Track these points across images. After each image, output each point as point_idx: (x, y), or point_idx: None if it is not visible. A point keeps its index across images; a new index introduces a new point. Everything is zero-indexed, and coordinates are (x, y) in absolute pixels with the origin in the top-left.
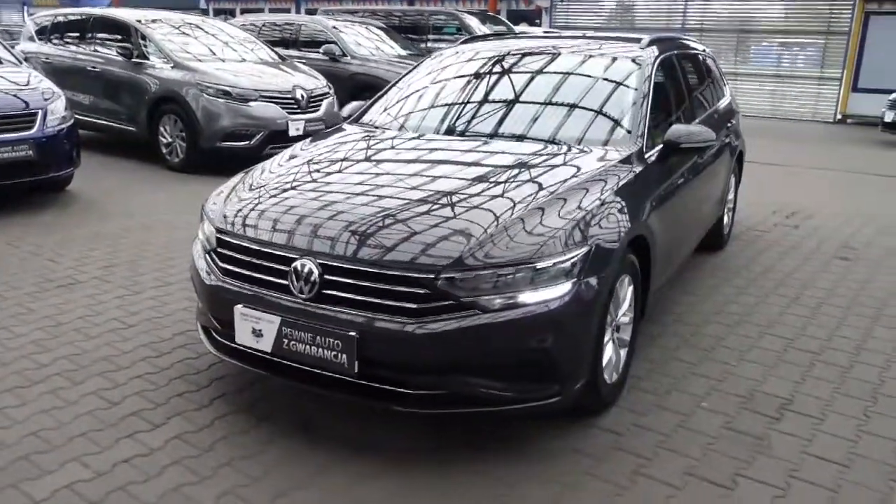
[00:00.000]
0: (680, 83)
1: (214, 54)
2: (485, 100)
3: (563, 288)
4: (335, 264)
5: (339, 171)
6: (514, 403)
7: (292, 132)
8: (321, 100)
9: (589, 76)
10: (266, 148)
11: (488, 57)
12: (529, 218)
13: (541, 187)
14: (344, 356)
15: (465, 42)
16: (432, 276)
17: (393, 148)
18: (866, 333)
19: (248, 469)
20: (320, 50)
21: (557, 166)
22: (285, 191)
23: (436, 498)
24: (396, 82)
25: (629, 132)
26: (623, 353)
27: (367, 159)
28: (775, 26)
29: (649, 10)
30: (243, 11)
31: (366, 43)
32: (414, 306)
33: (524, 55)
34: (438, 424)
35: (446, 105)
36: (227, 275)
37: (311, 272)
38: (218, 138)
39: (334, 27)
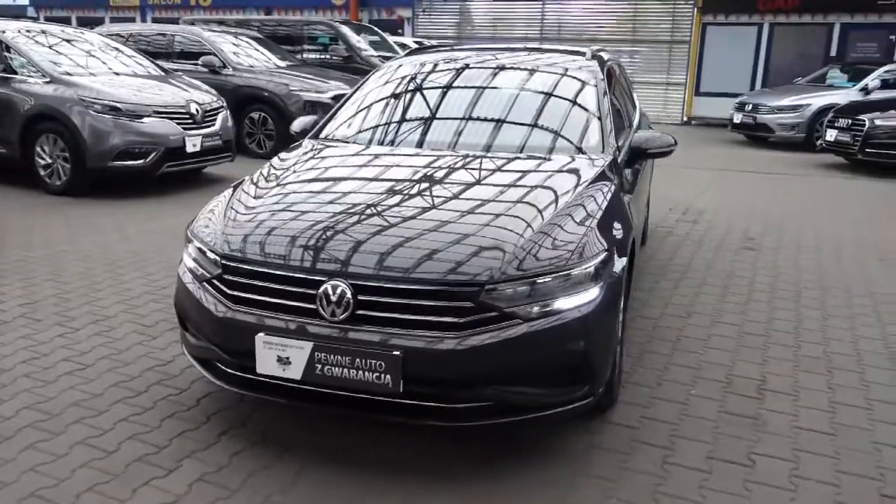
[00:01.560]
0: (615, 92)
1: (93, 67)
2: (459, 112)
3: (593, 292)
4: (369, 284)
5: (339, 189)
6: (551, 408)
7: (189, 149)
8: (216, 114)
9: (553, 87)
10: (162, 166)
11: (448, 69)
12: (554, 227)
13: (553, 196)
14: (388, 377)
15: (410, 54)
16: (476, 288)
17: (380, 163)
18: (797, 315)
19: None
20: (199, 62)
21: (556, 175)
22: (291, 212)
23: None
24: (350, 96)
25: (603, 140)
26: (619, 350)
27: (361, 175)
28: (625, 35)
29: (510, 20)
30: (79, 20)
31: (245, 54)
32: (459, 320)
33: (485, 68)
34: (466, 437)
35: (423, 119)
36: (241, 303)
37: (343, 294)
38: (108, 158)
39: (211, 38)
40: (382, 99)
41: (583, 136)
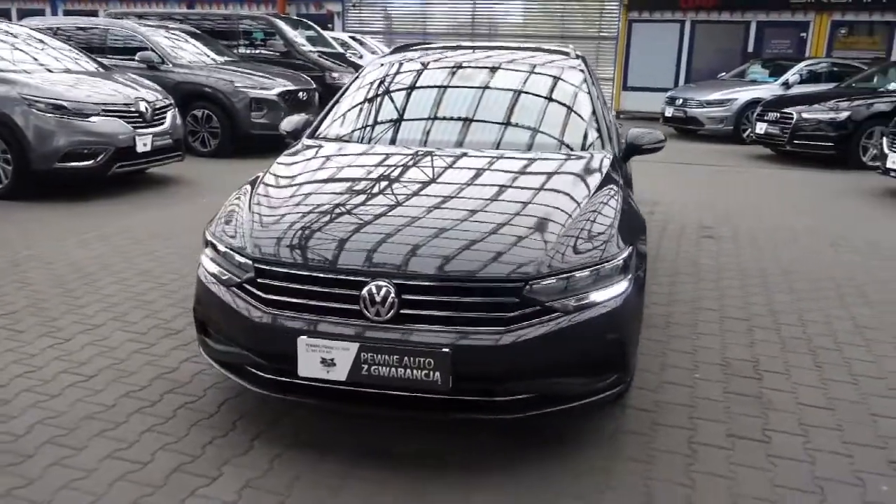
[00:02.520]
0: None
1: (28, 63)
2: (459, 111)
3: (623, 284)
4: (414, 283)
5: (360, 189)
6: (589, 397)
7: (140, 148)
8: (165, 112)
9: (549, 86)
10: (113, 167)
11: (440, 68)
12: (583, 223)
13: (573, 193)
14: (437, 373)
15: (396, 51)
16: (522, 283)
17: (393, 162)
18: (768, 299)
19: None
20: (136, 57)
21: (569, 172)
22: (320, 213)
23: (544, 494)
24: (342, 95)
25: (602, 137)
26: None
27: (377, 175)
28: (554, 32)
29: (441, 16)
30: None
31: (183, 49)
32: (505, 315)
33: (478, 67)
34: (498, 431)
35: (424, 118)
36: (279, 306)
37: (388, 293)
38: (54, 159)
39: (148, 33)
40: (377, 97)
41: (585, 133)
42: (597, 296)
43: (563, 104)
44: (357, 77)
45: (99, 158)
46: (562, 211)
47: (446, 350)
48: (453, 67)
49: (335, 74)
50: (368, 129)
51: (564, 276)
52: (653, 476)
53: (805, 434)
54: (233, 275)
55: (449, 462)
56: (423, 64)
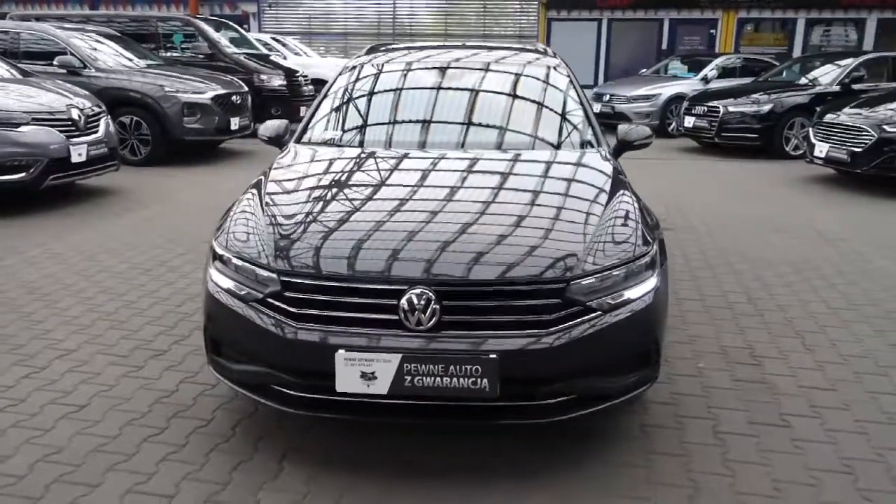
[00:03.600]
0: None
1: None
2: (453, 112)
3: (652, 281)
4: (454, 289)
5: (375, 195)
6: (626, 393)
7: (75, 158)
8: (98, 119)
9: (539, 85)
10: (46, 179)
11: (424, 69)
12: (613, 220)
13: (591, 192)
14: (485, 380)
15: (370, 52)
16: (562, 284)
17: (401, 166)
18: (743, 287)
19: None
20: (54, 62)
21: (580, 171)
22: (341, 221)
23: (595, 492)
24: (324, 98)
25: (596, 135)
26: None
27: (388, 181)
28: (476, 31)
29: (362, 16)
30: None
31: (103, 53)
32: (548, 317)
33: (463, 68)
34: (527, 435)
35: (420, 120)
36: (310, 320)
37: (428, 302)
38: None
39: (66, 36)
40: (365, 100)
41: (581, 131)
42: (630, 293)
43: (555, 102)
44: (336, 79)
45: (31, 171)
46: (585, 211)
47: (494, 356)
48: (438, 68)
49: (263, 77)
50: (365, 132)
51: (601, 275)
52: (692, 468)
53: (819, 416)
54: (252, 290)
55: (484, 469)
56: (406, 65)
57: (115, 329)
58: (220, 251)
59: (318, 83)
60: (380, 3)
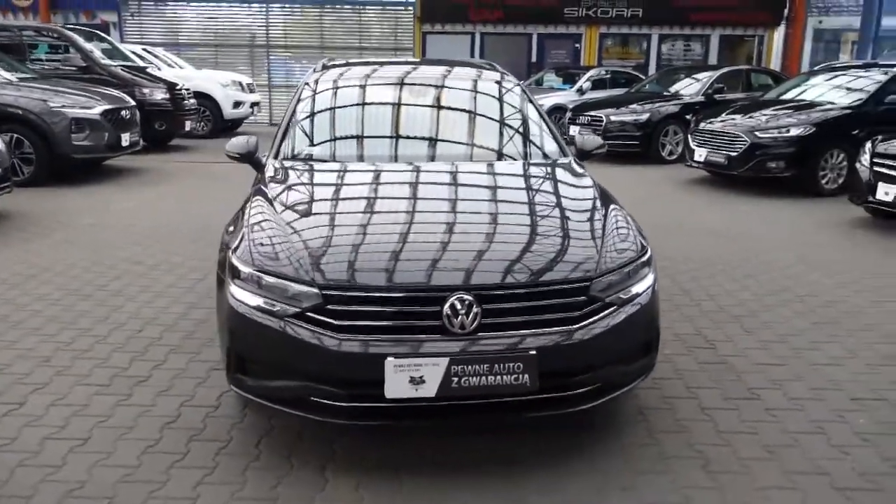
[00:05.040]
0: None
1: None
2: (425, 125)
3: (651, 276)
4: (491, 293)
5: (393, 207)
6: (636, 380)
7: None
8: None
9: (503, 100)
10: None
11: (385, 83)
12: (615, 223)
13: (582, 197)
14: (526, 376)
15: (326, 69)
16: (587, 283)
17: (398, 179)
18: (672, 280)
19: None
20: None
21: (567, 177)
22: (373, 233)
23: (623, 470)
24: (293, 114)
25: (559, 145)
26: None
27: (398, 192)
28: (352, 43)
29: (232, 26)
30: None
31: None
32: (575, 313)
33: (427, 84)
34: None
35: (398, 134)
36: (355, 332)
37: (470, 306)
38: None
39: None
40: (341, 114)
41: (549, 141)
42: (636, 288)
43: (522, 114)
44: (300, 95)
45: None
46: (588, 216)
47: (533, 352)
48: (403, 84)
49: (146, 90)
50: (357, 146)
51: (614, 273)
52: (693, 441)
53: (780, 387)
54: (287, 305)
55: (523, 462)
56: (371, 80)
57: (82, 359)
58: (246, 269)
59: (201, 97)
60: (252, 15)
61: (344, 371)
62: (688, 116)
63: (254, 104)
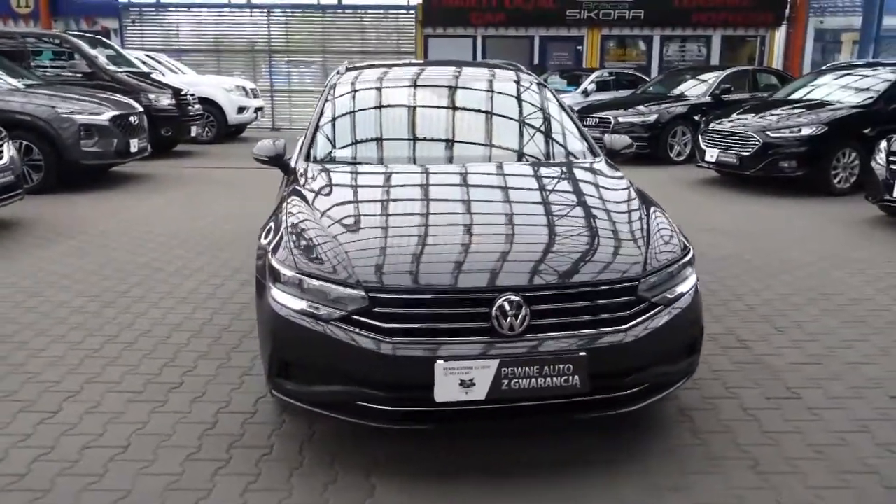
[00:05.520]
0: None
1: None
2: (454, 126)
3: (693, 276)
4: (540, 294)
5: (434, 209)
6: (682, 379)
7: None
8: (0, 145)
9: (534, 101)
10: None
11: (410, 85)
12: (657, 224)
13: (621, 197)
14: (576, 377)
15: (351, 71)
16: (634, 283)
17: (443, 181)
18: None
19: None
20: None
21: (604, 178)
22: (417, 236)
23: (676, 471)
24: (320, 116)
25: (590, 144)
26: None
27: (439, 195)
28: (354, 47)
29: (233, 30)
30: None
31: None
32: (624, 314)
33: (454, 86)
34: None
35: (430, 136)
36: (403, 335)
37: (519, 307)
38: None
39: None
40: (370, 117)
41: (580, 140)
42: (680, 288)
43: (553, 115)
44: (327, 96)
45: None
46: (628, 216)
47: (583, 353)
48: (431, 85)
49: (151, 96)
50: (389, 149)
51: (659, 273)
52: (740, 441)
53: (820, 387)
54: (333, 308)
55: (578, 463)
56: (398, 82)
57: (112, 366)
58: (288, 272)
59: (205, 102)
60: (254, 19)
61: (392, 375)
62: (696, 117)
63: (258, 109)
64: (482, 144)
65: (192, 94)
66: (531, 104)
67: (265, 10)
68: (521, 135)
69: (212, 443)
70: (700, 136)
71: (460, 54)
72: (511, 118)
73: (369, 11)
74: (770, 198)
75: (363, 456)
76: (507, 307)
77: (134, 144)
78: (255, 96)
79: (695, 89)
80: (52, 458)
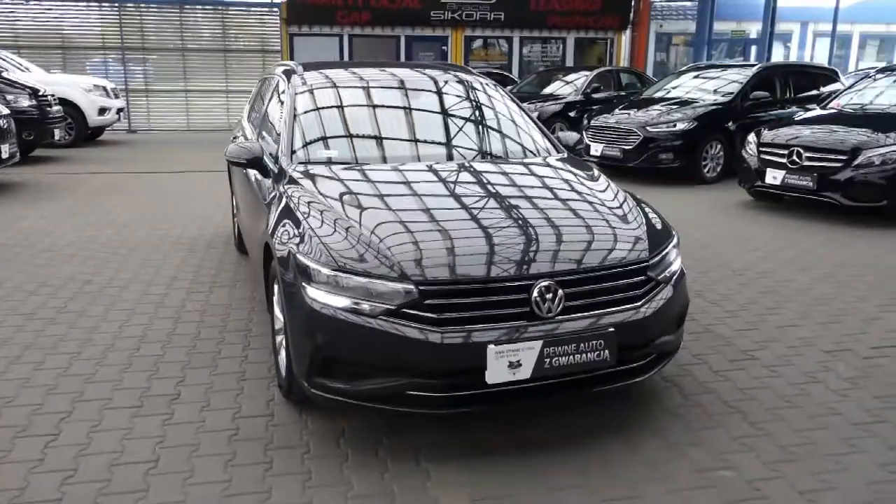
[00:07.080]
0: None
1: None
2: (432, 126)
3: (679, 257)
4: (571, 278)
5: (454, 204)
6: (676, 349)
7: None
8: None
9: (495, 102)
10: None
11: (382, 87)
12: (647, 211)
13: (603, 186)
14: (606, 352)
15: (310, 69)
16: (646, 264)
17: (433, 178)
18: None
19: None
20: None
21: (583, 171)
22: (451, 231)
23: (706, 453)
24: (294, 119)
25: (551, 142)
26: None
27: (449, 191)
28: (217, 45)
29: (83, 28)
30: None
31: None
32: (640, 292)
33: (420, 89)
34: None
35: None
36: (454, 323)
37: (556, 291)
38: None
39: None
40: (351, 117)
41: (545, 137)
42: (673, 267)
43: (516, 115)
44: (295, 99)
45: None
46: (621, 204)
47: (612, 329)
48: (396, 87)
49: (9, 97)
50: (386, 148)
51: (661, 254)
52: (725, 399)
53: (766, 348)
54: (377, 303)
55: (631, 439)
56: (366, 82)
57: (93, 383)
58: (324, 270)
59: (63, 104)
60: (103, 14)
61: (446, 362)
62: (571, 114)
63: (119, 110)
64: (479, 143)
65: (52, 95)
66: (496, 106)
67: (116, 4)
68: (500, 134)
69: (245, 448)
70: (584, 132)
71: (327, 53)
72: (495, 120)
73: (231, 8)
74: (649, 187)
75: (403, 445)
76: (545, 291)
77: (4, 150)
78: (116, 96)
79: (565, 88)
80: (81, 479)
